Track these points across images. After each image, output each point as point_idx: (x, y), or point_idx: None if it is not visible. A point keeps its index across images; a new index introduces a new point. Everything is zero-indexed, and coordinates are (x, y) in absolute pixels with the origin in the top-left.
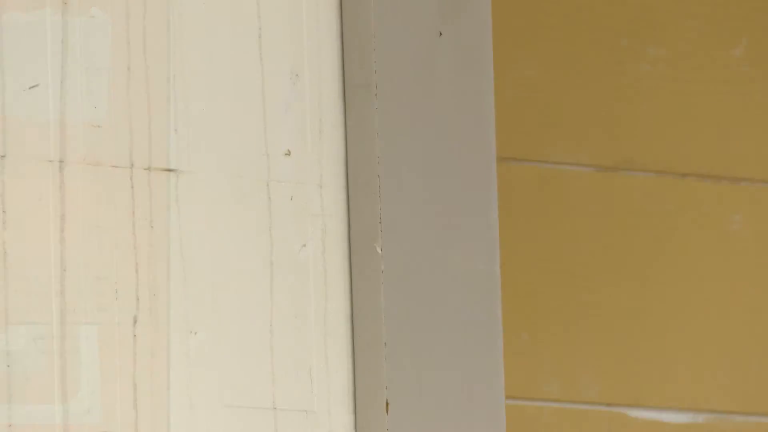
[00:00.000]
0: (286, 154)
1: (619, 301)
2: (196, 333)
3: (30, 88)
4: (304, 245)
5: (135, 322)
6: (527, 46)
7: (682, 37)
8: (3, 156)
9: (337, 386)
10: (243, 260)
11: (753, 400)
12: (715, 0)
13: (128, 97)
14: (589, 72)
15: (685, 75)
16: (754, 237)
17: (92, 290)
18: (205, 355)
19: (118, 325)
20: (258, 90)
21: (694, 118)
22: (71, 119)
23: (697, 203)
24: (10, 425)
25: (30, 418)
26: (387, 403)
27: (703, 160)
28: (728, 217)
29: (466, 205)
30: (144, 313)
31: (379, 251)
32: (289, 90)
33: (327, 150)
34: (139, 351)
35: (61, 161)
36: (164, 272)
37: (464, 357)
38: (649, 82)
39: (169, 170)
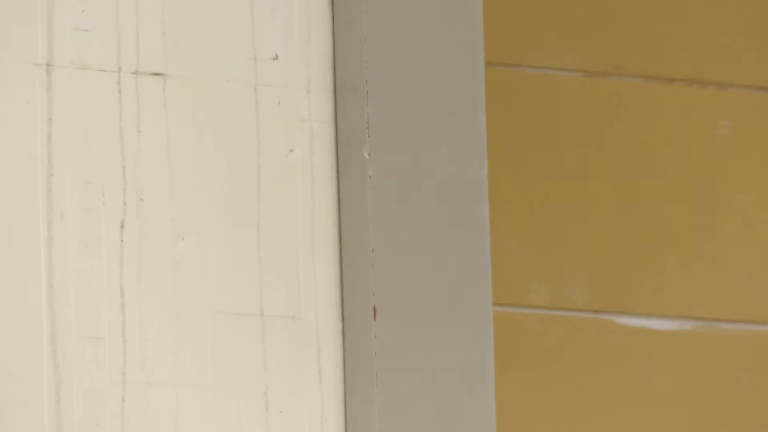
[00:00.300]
0: (273, 59)
1: (607, 208)
2: (183, 238)
3: None
4: (292, 150)
5: (122, 226)
6: None
7: None
8: None
9: (325, 292)
10: (230, 165)
11: (740, 307)
12: None
13: (116, 0)
14: None
15: None
16: (741, 142)
17: (79, 194)
18: (192, 261)
19: (105, 229)
20: None
21: (681, 23)
22: (59, 23)
23: (685, 108)
24: None
25: (17, 320)
26: (374, 309)
27: (690, 66)
28: (716, 123)
29: (454, 111)
30: (131, 217)
31: (367, 156)
32: None
33: (315, 54)
34: (126, 256)
35: (48, 65)
36: (151, 177)
37: (452, 263)
38: None
39: (157, 74)
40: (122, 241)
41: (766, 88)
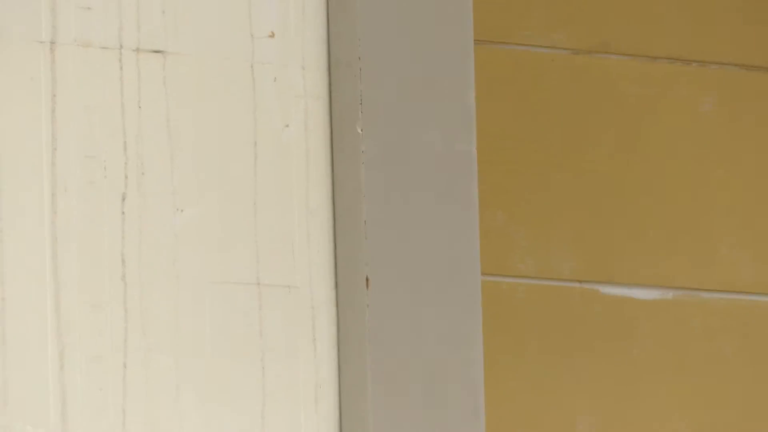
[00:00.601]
0: (269, 36)
1: (592, 181)
2: (182, 210)
3: None
4: (287, 125)
5: (123, 199)
6: None
7: None
8: None
9: (319, 263)
10: (228, 140)
11: (721, 277)
12: None
13: None
14: None
15: None
16: (724, 119)
17: (82, 168)
18: (191, 232)
19: (107, 202)
20: None
21: (665, 2)
22: (62, 1)
23: (669, 85)
24: (3, 299)
25: (22, 291)
26: (367, 279)
27: (674, 44)
28: (699, 99)
29: (445, 87)
30: (132, 190)
31: (360, 132)
32: None
33: (309, 32)
34: (128, 228)
35: (52, 42)
36: (152, 152)
37: (442, 235)
38: None
39: (157, 52)
40: (123, 213)
41: (746, 65)
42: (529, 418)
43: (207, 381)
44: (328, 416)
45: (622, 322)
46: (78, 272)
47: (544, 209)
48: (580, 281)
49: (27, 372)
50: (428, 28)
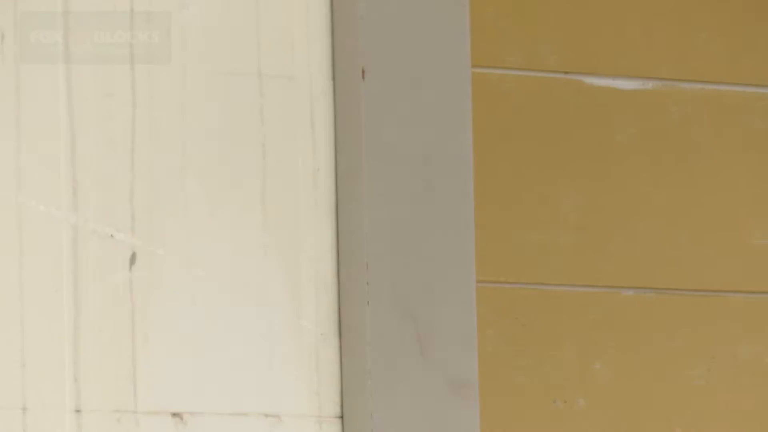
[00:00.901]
0: None
1: None
2: (188, 7)
3: None
4: None
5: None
6: None
7: None
8: None
9: (318, 55)
10: None
11: (698, 68)
12: None
13: None
14: None
15: None
16: None
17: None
18: (196, 26)
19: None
20: None
21: None
22: None
23: None
24: (18, 87)
25: (36, 90)
26: (363, 70)
27: None
28: None
29: None
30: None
31: None
32: None
33: None
34: (136, 22)
35: None
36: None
37: (435, 28)
38: None
39: None
40: (132, 10)
41: None
42: (516, 199)
43: (211, 165)
44: (324, 198)
45: (604, 110)
46: (89, 63)
47: (531, 4)
48: (565, 72)
49: (40, 153)
50: None
